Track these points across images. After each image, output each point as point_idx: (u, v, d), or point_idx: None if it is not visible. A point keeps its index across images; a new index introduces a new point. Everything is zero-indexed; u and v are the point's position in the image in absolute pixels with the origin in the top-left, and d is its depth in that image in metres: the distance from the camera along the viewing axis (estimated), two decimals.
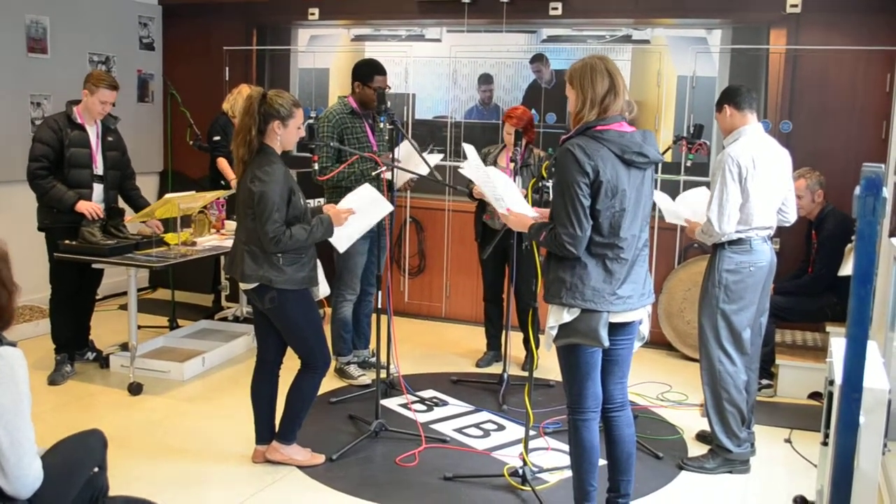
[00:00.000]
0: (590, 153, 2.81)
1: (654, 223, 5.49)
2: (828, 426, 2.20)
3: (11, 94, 5.95)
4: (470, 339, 5.96)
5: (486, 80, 6.30)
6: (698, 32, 5.72)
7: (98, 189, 4.84)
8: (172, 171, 7.32)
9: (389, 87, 4.90)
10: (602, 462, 3.10)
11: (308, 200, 3.76)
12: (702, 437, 4.23)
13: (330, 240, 3.77)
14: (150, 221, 4.98)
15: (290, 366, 3.80)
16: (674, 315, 5.66)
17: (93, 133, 4.81)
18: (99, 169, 4.84)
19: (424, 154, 4.35)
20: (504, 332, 5.15)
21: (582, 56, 3.06)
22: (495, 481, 3.70)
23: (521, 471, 3.65)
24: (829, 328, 4.95)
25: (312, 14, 6.72)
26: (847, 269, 4.64)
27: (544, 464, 3.88)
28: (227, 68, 7.05)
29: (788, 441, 4.27)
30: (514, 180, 3.89)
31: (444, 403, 4.68)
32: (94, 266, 4.79)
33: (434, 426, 4.34)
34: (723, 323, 3.77)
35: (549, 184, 3.37)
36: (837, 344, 2.19)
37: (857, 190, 1.65)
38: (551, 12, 6.01)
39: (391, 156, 4.17)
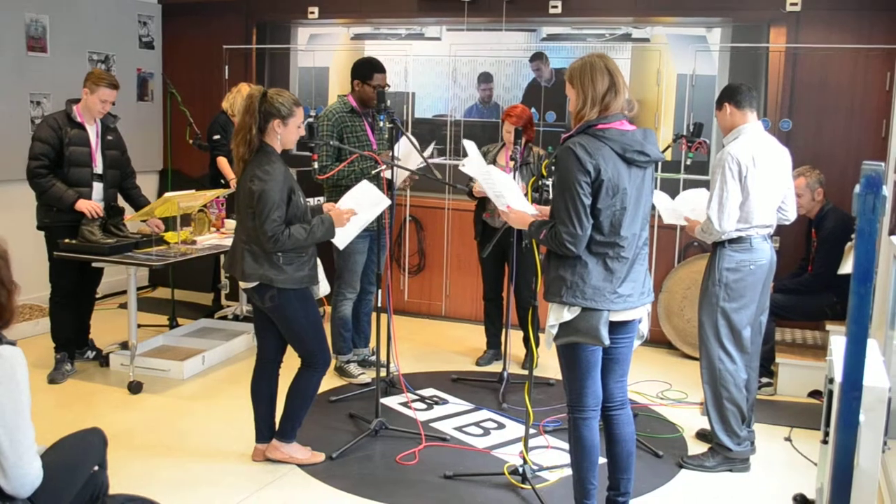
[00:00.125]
0: (591, 152, 2.81)
1: (654, 222, 5.49)
2: (828, 424, 2.20)
3: (11, 93, 5.95)
4: (470, 337, 5.96)
5: (485, 78, 6.30)
6: (698, 31, 5.72)
7: (98, 188, 4.84)
8: (172, 169, 7.32)
9: (389, 86, 4.90)
10: (602, 460, 3.10)
11: (308, 199, 3.76)
12: (702, 435, 4.23)
13: None
14: (151, 220, 4.98)
15: (291, 364, 3.80)
16: (674, 313, 5.66)
17: (92, 132, 4.81)
18: (98, 168, 4.84)
19: (425, 153, 4.35)
20: (504, 330, 5.15)
21: (581, 55, 3.06)
22: (495, 480, 3.70)
23: (521, 469, 3.65)
24: (828, 326, 4.95)
25: (312, 13, 6.71)
26: (847, 267, 4.64)
27: (544, 462, 3.88)
28: (226, 67, 7.04)
29: (788, 439, 4.27)
30: (514, 178, 3.89)
31: (444, 402, 4.68)
32: (93, 265, 4.79)
33: (434, 425, 4.34)
34: (723, 321, 3.77)
35: (549, 182, 3.37)
36: (837, 342, 2.19)
37: (857, 188, 1.65)
38: (551, 11, 6.01)
39: (391, 154, 4.17)
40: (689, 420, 4.49)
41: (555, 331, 2.95)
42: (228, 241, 4.30)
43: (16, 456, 2.32)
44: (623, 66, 5.32)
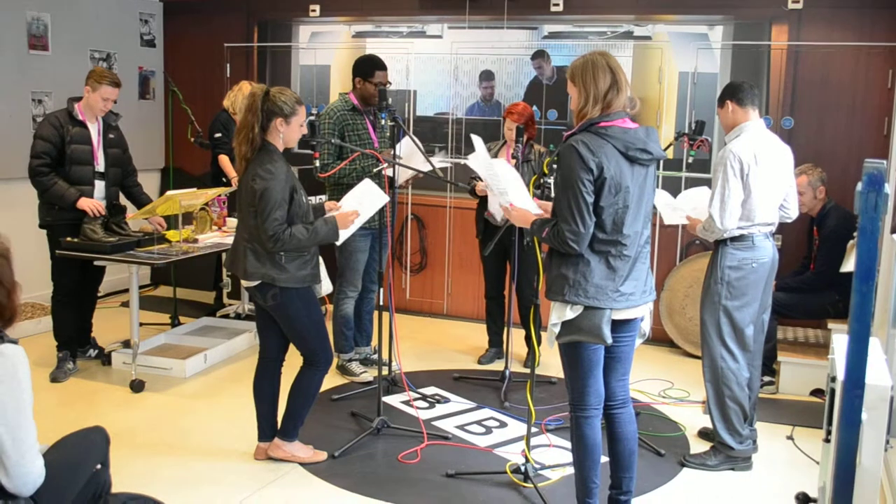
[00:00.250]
0: (594, 150, 2.81)
1: (656, 220, 5.49)
2: (830, 423, 2.20)
3: (13, 91, 5.96)
4: (472, 335, 5.96)
5: (487, 76, 6.30)
6: (700, 29, 5.71)
7: (99, 186, 4.84)
8: (173, 167, 7.32)
9: (390, 83, 4.90)
10: (604, 459, 3.10)
11: (309, 198, 3.76)
12: (704, 433, 4.23)
13: None
14: (153, 218, 4.98)
15: (293, 363, 3.80)
16: (675, 312, 5.66)
17: (94, 130, 4.81)
18: (100, 166, 4.84)
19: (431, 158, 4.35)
20: (506, 328, 5.15)
21: (583, 53, 3.05)
22: (497, 478, 3.70)
23: (523, 468, 3.65)
24: (830, 325, 4.95)
25: (313, 10, 6.71)
26: (849, 265, 4.64)
27: (546, 461, 3.88)
28: (228, 65, 7.04)
29: (790, 438, 4.27)
30: None
31: (446, 400, 4.69)
32: (95, 263, 4.79)
33: (436, 423, 4.34)
34: (725, 319, 3.76)
35: (551, 180, 3.36)
36: (839, 340, 2.19)
37: (859, 186, 1.65)
38: (552, 8, 6.00)
39: (392, 152, 4.17)
40: (691, 418, 4.49)
41: (557, 329, 2.95)
42: (230, 240, 4.30)
43: (18, 454, 2.32)
44: (625, 64, 5.32)
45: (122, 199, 5.11)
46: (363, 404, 4.51)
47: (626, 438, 3.11)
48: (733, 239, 3.73)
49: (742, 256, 3.72)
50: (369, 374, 4.90)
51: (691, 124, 4.97)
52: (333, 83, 6.73)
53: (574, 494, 3.13)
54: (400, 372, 4.72)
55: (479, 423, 4.38)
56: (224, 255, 5.26)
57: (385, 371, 4.29)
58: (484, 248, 4.95)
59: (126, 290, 6.00)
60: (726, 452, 3.86)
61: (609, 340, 2.89)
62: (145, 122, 7.05)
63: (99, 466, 2.76)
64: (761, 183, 3.67)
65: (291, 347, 3.78)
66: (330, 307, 4.94)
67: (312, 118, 4.19)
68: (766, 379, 4.79)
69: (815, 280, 4.92)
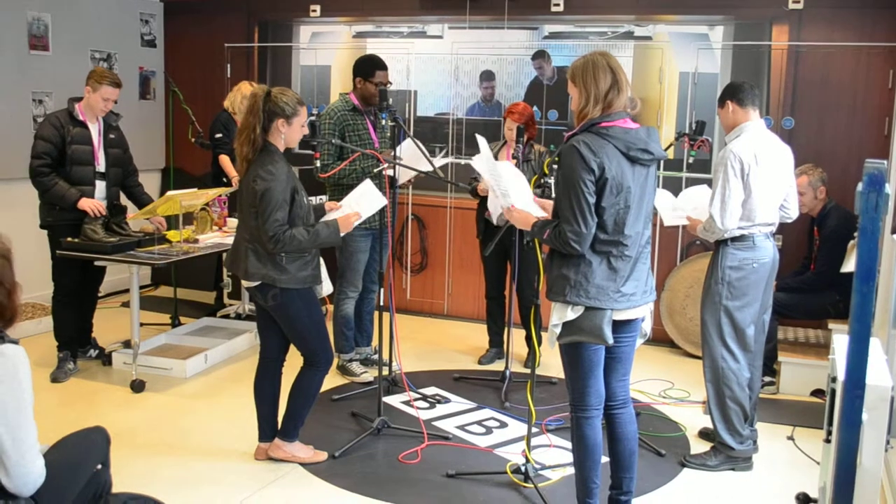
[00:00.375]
0: (595, 150, 2.80)
1: (657, 220, 5.48)
2: (830, 423, 2.20)
3: (13, 92, 5.96)
4: (472, 336, 5.96)
5: (487, 76, 6.30)
6: (700, 29, 5.71)
7: (100, 186, 4.85)
8: (174, 168, 7.32)
9: (391, 84, 4.90)
10: (604, 459, 3.10)
11: (310, 198, 3.76)
12: (704, 434, 4.23)
13: None
14: (154, 218, 4.98)
15: (293, 363, 3.80)
16: (676, 312, 5.66)
17: (95, 130, 4.81)
18: (101, 166, 4.85)
19: (433, 159, 4.34)
20: (506, 328, 5.15)
21: (584, 53, 3.05)
22: (498, 478, 3.70)
23: (523, 468, 3.65)
24: (831, 325, 4.95)
25: (314, 11, 6.71)
26: (849, 265, 4.64)
27: (547, 461, 3.88)
28: (228, 65, 7.05)
29: (791, 438, 4.27)
30: None
31: (447, 400, 4.69)
32: (96, 263, 4.79)
33: (436, 423, 4.34)
34: (726, 320, 3.76)
35: (551, 180, 3.36)
36: (840, 341, 2.19)
37: (860, 186, 1.65)
38: (553, 9, 6.00)
39: (393, 153, 4.17)
40: (692, 419, 4.49)
41: (558, 330, 2.94)
42: (230, 240, 4.30)
43: (18, 455, 2.33)
44: (625, 64, 5.32)
45: (124, 200, 5.11)
46: (363, 404, 4.51)
47: (627, 439, 3.11)
48: (734, 239, 3.73)
49: (743, 256, 3.72)
50: (370, 375, 4.90)
51: (692, 124, 4.97)
52: (334, 83, 6.73)
53: (574, 495, 3.13)
54: (400, 372, 4.72)
55: (479, 423, 4.38)
56: (224, 256, 5.26)
57: (385, 371, 4.29)
58: (484, 249, 4.95)
59: (126, 291, 5.99)
60: (727, 453, 3.86)
61: (610, 341, 2.89)
62: (146, 122, 7.05)
63: (99, 466, 2.76)
64: (762, 183, 3.67)
65: (292, 348, 3.79)
66: (330, 307, 4.94)
67: (313, 118, 4.19)
68: (767, 379, 4.79)
69: (815, 280, 4.92)
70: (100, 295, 5.38)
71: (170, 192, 4.84)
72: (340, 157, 4.63)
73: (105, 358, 5.12)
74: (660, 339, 5.63)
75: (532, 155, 4.96)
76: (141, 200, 5.08)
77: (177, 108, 6.33)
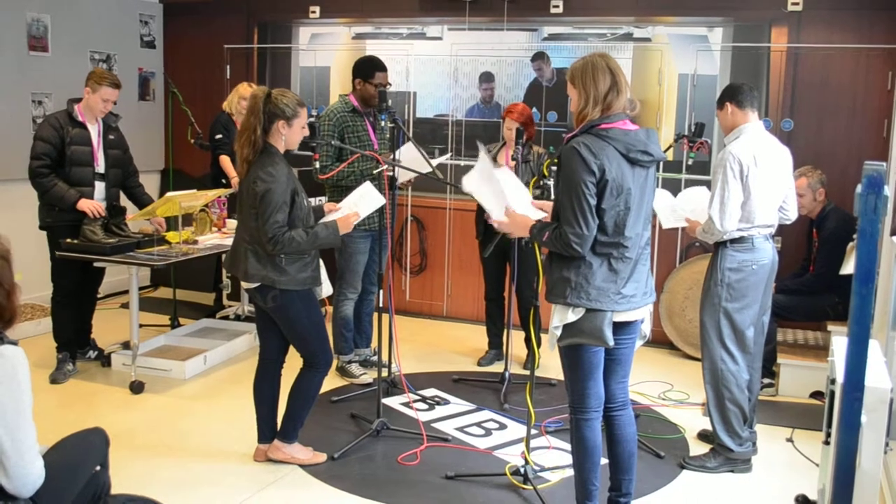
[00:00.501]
0: (595, 152, 2.80)
1: (656, 222, 5.48)
2: (829, 425, 2.20)
3: (12, 93, 5.95)
4: (471, 337, 5.96)
5: (487, 78, 6.30)
6: (699, 30, 5.72)
7: (99, 187, 4.84)
8: (173, 169, 7.33)
9: (391, 85, 4.90)
10: (604, 461, 3.10)
11: (309, 199, 3.76)
12: (703, 436, 4.23)
13: None
14: (153, 219, 4.98)
15: (293, 364, 3.80)
16: (675, 314, 5.66)
17: (94, 131, 4.81)
18: (100, 167, 4.85)
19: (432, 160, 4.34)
20: (506, 330, 5.15)
21: (583, 54, 3.05)
22: (497, 480, 3.70)
23: (522, 470, 3.65)
24: (830, 327, 4.95)
25: (313, 12, 6.71)
26: (848, 267, 4.64)
27: (546, 463, 3.88)
28: (227, 66, 7.05)
29: (790, 440, 4.27)
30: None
31: (446, 402, 4.68)
32: (95, 264, 4.79)
33: (435, 425, 4.34)
34: (725, 321, 3.76)
35: (550, 182, 3.35)
36: (839, 343, 2.19)
37: (859, 188, 1.65)
38: (552, 10, 6.01)
39: (392, 155, 4.17)
40: (691, 421, 4.49)
41: (559, 332, 2.94)
42: (229, 241, 4.31)
43: (17, 456, 2.32)
44: (624, 65, 5.31)
45: (124, 200, 5.11)
46: (363, 406, 4.51)
47: (626, 440, 3.11)
48: (733, 241, 3.73)
49: (742, 258, 3.73)
50: (369, 376, 4.89)
51: (691, 126, 4.97)
52: (333, 85, 6.73)
53: (574, 496, 3.13)
54: (399, 374, 4.72)
55: (478, 424, 4.38)
56: (224, 257, 5.26)
57: (385, 373, 4.29)
58: (484, 250, 4.95)
59: (126, 292, 5.99)
60: (726, 454, 3.86)
61: (611, 343, 2.89)
62: (145, 123, 7.05)
63: (98, 468, 2.76)
64: (761, 185, 3.67)
65: (291, 349, 3.78)
66: (330, 309, 4.94)
67: (312, 119, 4.19)
68: (766, 381, 4.78)
69: (814, 282, 4.92)
70: (99, 296, 5.37)
71: (169, 194, 4.84)
72: (340, 159, 4.63)
73: (104, 359, 5.12)
74: (659, 340, 5.63)
75: (531, 156, 4.96)
76: (142, 201, 5.08)
77: (176, 110, 6.34)
